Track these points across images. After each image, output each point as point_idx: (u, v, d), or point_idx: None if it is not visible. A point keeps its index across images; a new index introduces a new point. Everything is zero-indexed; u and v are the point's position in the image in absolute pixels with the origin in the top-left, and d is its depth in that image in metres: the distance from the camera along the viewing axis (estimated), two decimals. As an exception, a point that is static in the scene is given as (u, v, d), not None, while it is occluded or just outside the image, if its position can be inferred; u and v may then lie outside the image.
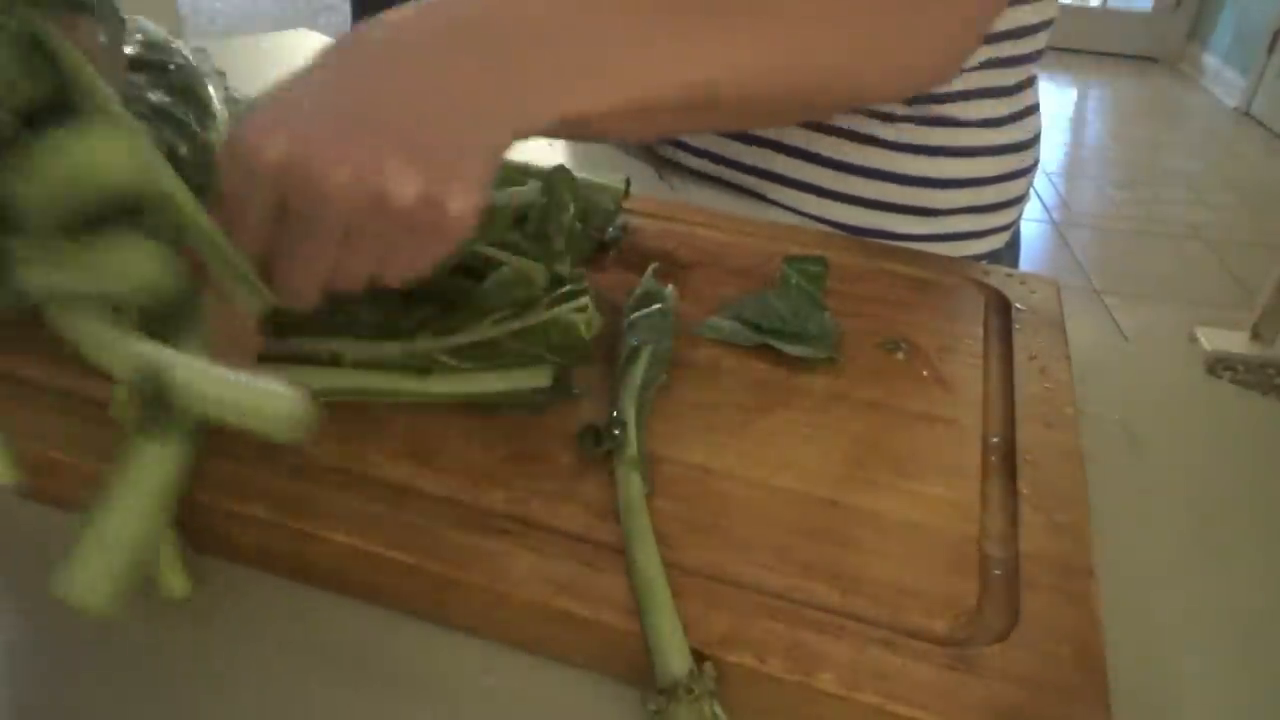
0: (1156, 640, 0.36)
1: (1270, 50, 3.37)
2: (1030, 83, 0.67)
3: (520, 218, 0.48)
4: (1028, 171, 0.70)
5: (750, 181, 0.67)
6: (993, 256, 0.69)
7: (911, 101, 0.62)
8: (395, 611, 0.33)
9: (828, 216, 0.65)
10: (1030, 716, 0.29)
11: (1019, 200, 0.70)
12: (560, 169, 0.49)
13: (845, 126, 0.63)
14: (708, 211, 0.57)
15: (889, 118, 0.63)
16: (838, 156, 0.64)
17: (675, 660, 0.29)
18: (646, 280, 0.45)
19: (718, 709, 0.29)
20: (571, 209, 0.48)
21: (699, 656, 0.30)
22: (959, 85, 0.62)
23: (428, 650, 0.32)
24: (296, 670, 0.31)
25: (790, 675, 0.29)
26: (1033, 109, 0.68)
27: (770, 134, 0.65)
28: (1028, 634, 0.31)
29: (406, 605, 0.33)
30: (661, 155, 0.71)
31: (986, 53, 0.62)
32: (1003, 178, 0.67)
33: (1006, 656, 0.30)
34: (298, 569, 0.34)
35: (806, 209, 0.66)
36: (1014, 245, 0.73)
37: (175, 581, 0.32)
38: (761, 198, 0.67)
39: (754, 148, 0.66)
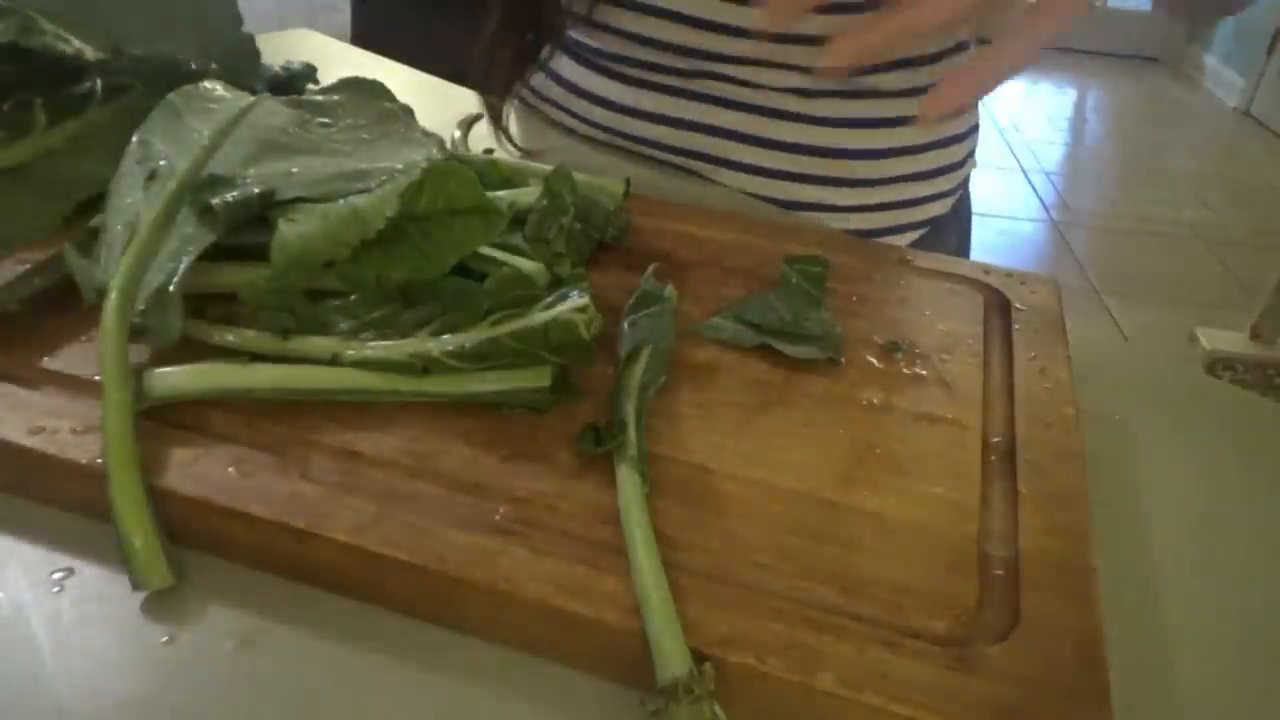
0: (1156, 640, 0.36)
1: (1270, 50, 3.37)
2: (960, 49, 0.68)
3: (520, 219, 0.48)
4: (966, 136, 0.72)
5: (685, 163, 0.69)
6: (936, 223, 0.71)
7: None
8: (395, 612, 0.33)
9: (764, 194, 0.67)
10: (1030, 716, 0.29)
11: (960, 165, 0.72)
12: (560, 171, 0.49)
13: (769, 105, 0.65)
14: (708, 211, 0.57)
15: (807, 94, 0.65)
16: (765, 134, 0.66)
17: (675, 661, 0.29)
18: (646, 280, 0.45)
19: (717, 710, 0.29)
20: (572, 211, 0.48)
21: (699, 657, 0.30)
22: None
23: (428, 650, 0.32)
24: (295, 670, 0.31)
25: (790, 675, 0.29)
26: None
27: (703, 119, 0.67)
28: (1028, 634, 0.31)
29: (407, 606, 0.33)
30: (604, 142, 0.73)
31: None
32: (938, 144, 0.69)
33: (1006, 656, 0.30)
34: (297, 569, 0.34)
35: (740, 185, 0.68)
36: (960, 213, 0.75)
37: (156, 573, 0.32)
38: (706, 178, 0.69)
39: (686, 133, 0.68)
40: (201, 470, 0.35)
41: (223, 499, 0.34)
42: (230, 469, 0.35)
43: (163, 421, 0.37)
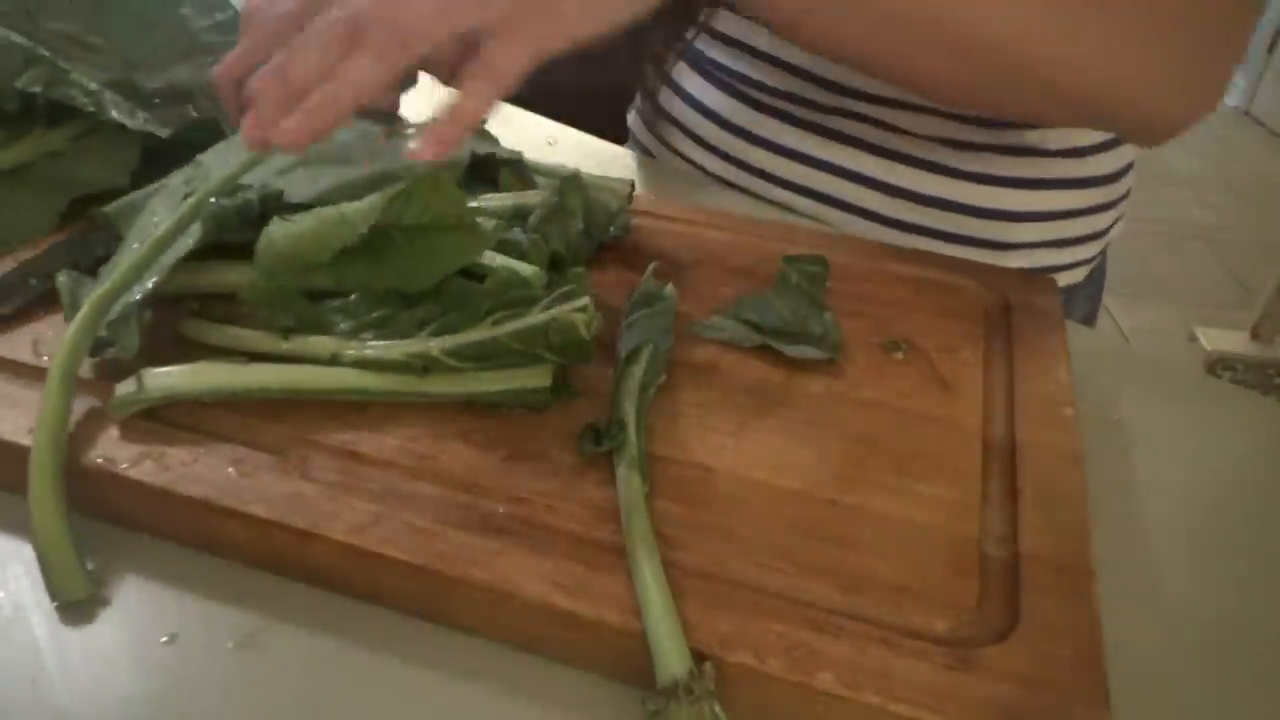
0: (1156, 640, 0.36)
1: (1270, 50, 3.37)
2: None
3: (523, 215, 0.48)
4: (1115, 205, 0.66)
5: (813, 208, 0.65)
6: (1070, 290, 0.67)
7: (992, 126, 0.60)
8: (395, 611, 0.33)
9: (894, 243, 0.63)
10: (1030, 716, 0.29)
11: (1104, 234, 0.67)
12: (573, 177, 0.49)
13: (913, 154, 0.61)
14: (708, 211, 0.57)
15: (968, 146, 0.61)
16: (914, 188, 0.62)
17: (675, 660, 0.29)
18: (646, 280, 0.45)
19: (718, 709, 0.29)
20: (580, 219, 0.48)
21: (699, 657, 0.30)
22: None
23: (428, 650, 0.32)
24: (295, 670, 0.31)
25: (790, 675, 0.29)
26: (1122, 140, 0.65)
27: (837, 159, 0.63)
28: (1028, 634, 0.31)
29: (406, 605, 0.33)
30: (713, 173, 0.69)
31: None
32: (1087, 211, 0.64)
33: (1006, 656, 0.30)
34: (297, 569, 0.34)
35: (876, 237, 0.62)
36: (1095, 278, 0.70)
37: (72, 585, 0.32)
38: (823, 222, 0.65)
39: (820, 173, 0.64)
40: (201, 470, 0.35)
41: (223, 499, 0.34)
42: (230, 469, 0.35)
43: (163, 421, 0.37)
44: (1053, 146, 0.61)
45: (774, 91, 0.65)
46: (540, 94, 0.73)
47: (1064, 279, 0.66)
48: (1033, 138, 0.61)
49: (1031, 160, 0.61)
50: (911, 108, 0.60)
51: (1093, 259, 0.68)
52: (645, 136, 0.77)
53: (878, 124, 0.62)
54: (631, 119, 0.80)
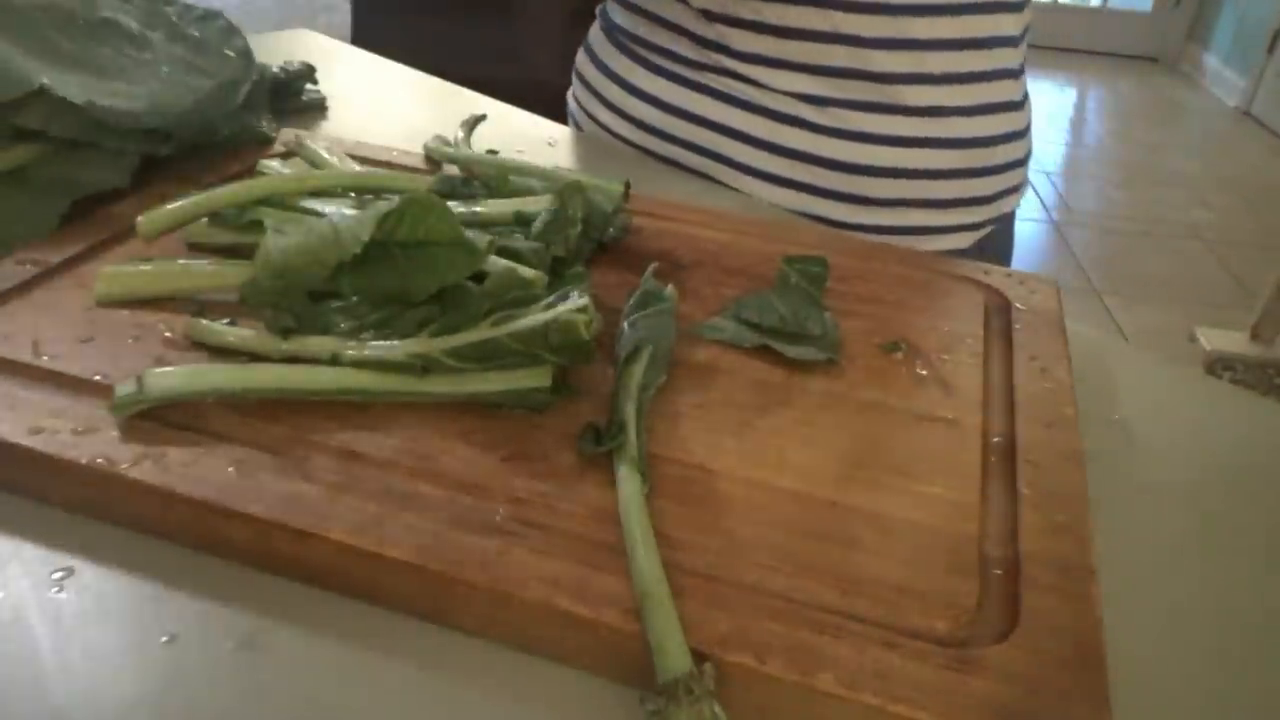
0: (1156, 640, 0.36)
1: (1270, 50, 3.37)
2: (1005, 75, 0.65)
3: (525, 221, 0.48)
4: (998, 171, 0.67)
5: (700, 163, 0.68)
6: (959, 255, 0.67)
7: (848, 78, 0.61)
8: (395, 611, 0.33)
9: (768, 199, 0.66)
10: (1030, 716, 0.29)
11: (988, 200, 0.67)
12: (574, 184, 0.49)
13: (779, 109, 0.64)
14: (708, 211, 0.57)
15: (826, 101, 0.62)
16: (775, 140, 0.64)
17: (675, 660, 0.29)
18: (646, 280, 0.45)
19: (717, 709, 0.29)
20: (580, 225, 0.48)
21: (699, 657, 0.30)
22: (905, 66, 0.61)
23: (428, 650, 0.32)
24: (295, 670, 0.31)
25: (790, 675, 0.29)
26: (1010, 105, 0.66)
27: (714, 116, 0.66)
28: (1028, 634, 0.31)
29: (406, 605, 0.33)
30: (613, 131, 0.72)
31: (933, 30, 0.60)
32: (958, 174, 0.65)
33: (1006, 656, 0.30)
34: (297, 569, 0.34)
35: (751, 190, 0.66)
36: (989, 251, 0.70)
37: None
38: (712, 179, 0.68)
39: (700, 129, 0.67)
40: (201, 470, 0.35)
41: (222, 499, 0.34)
42: (230, 469, 0.35)
43: (163, 421, 0.37)
44: (911, 103, 0.62)
45: (655, 48, 0.68)
46: (484, 87, 0.77)
47: (946, 242, 0.67)
48: (889, 93, 0.62)
49: (889, 118, 0.63)
50: (770, 64, 0.63)
51: (979, 225, 0.68)
52: (574, 109, 0.80)
53: (744, 80, 0.64)
54: (569, 96, 0.83)
